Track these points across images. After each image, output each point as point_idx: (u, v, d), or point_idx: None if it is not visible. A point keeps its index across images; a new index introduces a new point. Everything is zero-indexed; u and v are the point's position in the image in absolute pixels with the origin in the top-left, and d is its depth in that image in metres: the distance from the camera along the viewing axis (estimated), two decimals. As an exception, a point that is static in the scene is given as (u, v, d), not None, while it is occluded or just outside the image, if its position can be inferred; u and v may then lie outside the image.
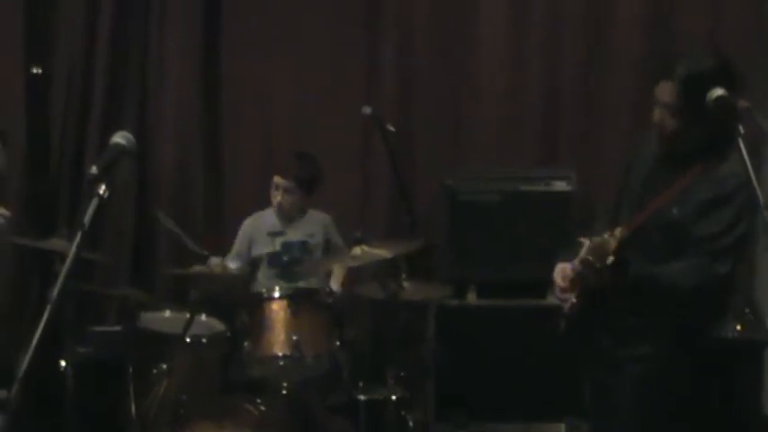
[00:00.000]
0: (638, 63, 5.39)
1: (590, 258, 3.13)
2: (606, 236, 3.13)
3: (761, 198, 2.69)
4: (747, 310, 5.01)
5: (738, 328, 4.91)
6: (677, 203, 3.16)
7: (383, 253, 4.27)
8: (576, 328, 3.36)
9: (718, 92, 2.92)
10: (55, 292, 2.58)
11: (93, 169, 2.69)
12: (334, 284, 4.95)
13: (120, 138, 2.82)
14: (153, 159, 5.64)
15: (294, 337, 4.28)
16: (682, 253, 3.16)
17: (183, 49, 5.63)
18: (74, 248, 2.65)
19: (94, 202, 2.67)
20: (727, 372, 4.79)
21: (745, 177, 2.74)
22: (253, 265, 5.06)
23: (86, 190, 2.71)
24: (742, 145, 2.76)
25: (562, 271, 3.35)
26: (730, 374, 4.82)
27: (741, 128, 2.79)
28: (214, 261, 4.75)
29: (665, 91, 3.15)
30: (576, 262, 3.23)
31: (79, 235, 2.67)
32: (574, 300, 3.33)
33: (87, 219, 2.68)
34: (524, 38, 5.53)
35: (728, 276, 3.15)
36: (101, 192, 2.67)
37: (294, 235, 5.02)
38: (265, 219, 5.08)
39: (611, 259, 3.09)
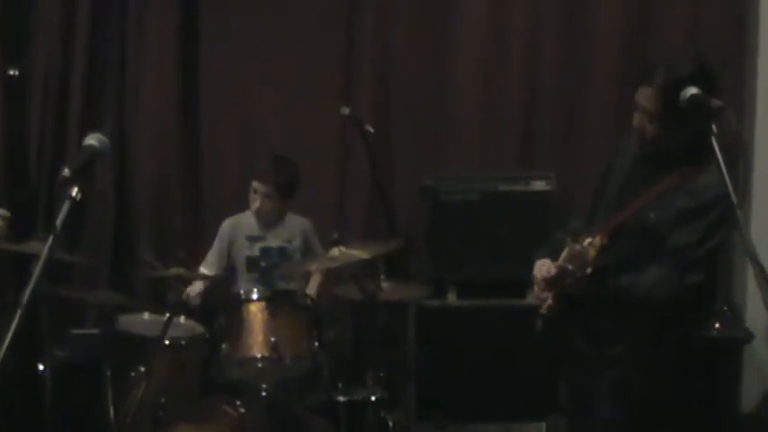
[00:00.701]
0: (617, 64, 5.41)
1: (569, 267, 3.15)
2: (585, 244, 3.15)
3: (734, 198, 2.69)
4: (726, 309, 5.04)
5: (717, 326, 4.93)
6: (655, 208, 3.19)
7: (361, 254, 4.26)
8: (552, 329, 3.36)
9: (692, 90, 2.92)
10: (26, 294, 2.56)
11: (66, 171, 2.69)
12: (312, 290, 4.96)
13: (93, 140, 2.82)
14: (132, 161, 5.63)
15: (272, 339, 4.26)
16: (657, 258, 3.17)
17: (162, 51, 5.61)
18: (46, 251, 2.64)
19: (67, 205, 2.67)
20: (706, 370, 4.82)
21: (720, 181, 2.74)
22: (230, 267, 5.04)
23: (58, 192, 2.68)
24: (715, 144, 2.76)
25: (544, 269, 3.33)
26: (710, 373, 4.85)
27: (714, 127, 2.79)
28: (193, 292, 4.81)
29: (645, 96, 3.17)
30: (555, 269, 3.24)
31: (51, 238, 2.66)
32: (551, 301, 3.32)
33: (59, 221, 2.67)
34: (504, 39, 5.53)
35: (700, 286, 3.18)
36: (73, 194, 2.67)
37: (273, 241, 5.00)
38: (244, 221, 5.06)
39: (589, 270, 3.12)
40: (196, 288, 4.84)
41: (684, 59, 3.28)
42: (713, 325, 4.94)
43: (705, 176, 3.04)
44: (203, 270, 5.00)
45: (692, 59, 3.23)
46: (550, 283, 3.28)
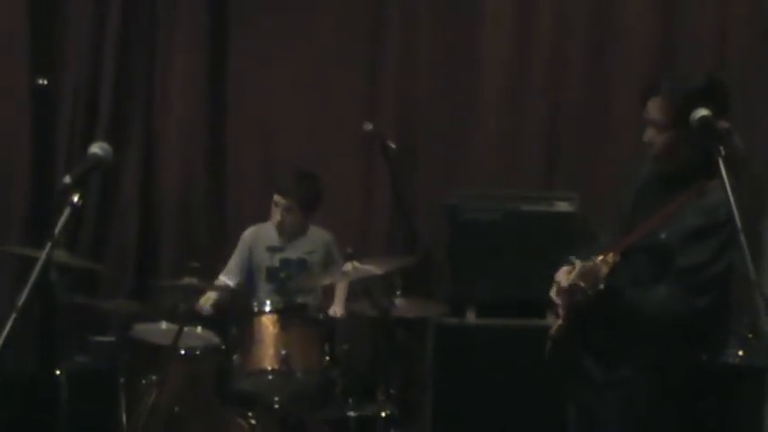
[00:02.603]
0: (643, 84, 5.36)
1: (581, 284, 3.10)
2: (598, 260, 3.11)
3: (738, 222, 2.65)
4: (750, 335, 4.95)
5: (741, 353, 4.86)
6: (666, 227, 3.13)
7: (374, 269, 4.26)
8: (561, 350, 3.33)
9: (702, 112, 2.91)
10: (22, 298, 2.59)
11: (67, 179, 2.72)
12: (338, 309, 4.94)
13: (96, 148, 2.87)
14: (158, 172, 5.70)
15: (283, 352, 4.28)
16: (666, 278, 3.12)
17: (189, 64, 5.68)
18: (43, 257, 2.66)
19: (67, 212, 2.70)
20: (725, 397, 4.74)
21: (725, 199, 2.71)
22: (249, 277, 5.06)
23: (56, 199, 2.71)
24: (722, 166, 2.73)
25: (563, 274, 3.26)
26: (730, 399, 4.77)
27: (722, 149, 2.76)
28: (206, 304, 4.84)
29: (653, 107, 3.15)
30: (567, 285, 3.20)
31: (49, 244, 2.69)
32: (560, 322, 3.29)
33: (59, 228, 2.70)
34: (529, 59, 5.53)
35: (711, 309, 3.11)
36: (74, 201, 2.70)
37: (293, 252, 5.02)
38: (266, 232, 5.08)
39: (602, 286, 3.07)
40: (210, 298, 4.85)
41: (696, 74, 3.25)
42: (736, 352, 4.87)
43: (717, 194, 2.90)
44: (223, 278, 5.03)
45: (703, 74, 3.22)
46: (562, 293, 3.23)
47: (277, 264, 5.02)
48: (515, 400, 4.98)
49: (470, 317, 5.15)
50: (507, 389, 4.99)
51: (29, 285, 2.63)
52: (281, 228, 4.98)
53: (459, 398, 5.02)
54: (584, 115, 5.50)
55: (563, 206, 5.17)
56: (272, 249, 5.03)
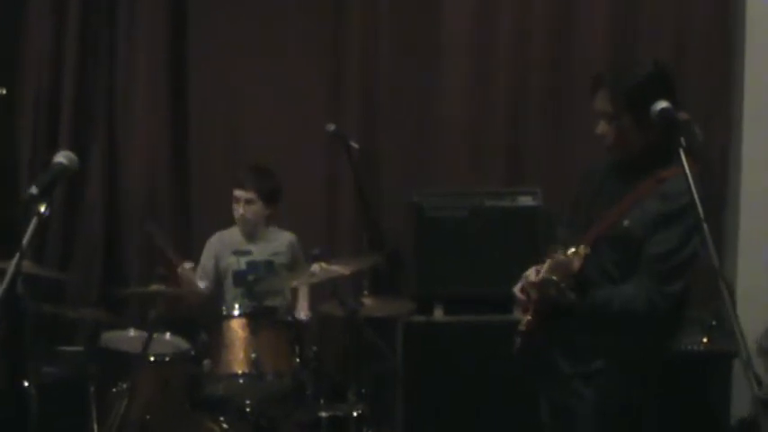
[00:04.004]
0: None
1: (553, 278, 3.11)
2: (570, 253, 3.11)
3: (701, 212, 2.67)
4: (714, 323, 5.01)
5: (705, 340, 4.92)
6: (627, 215, 3.15)
7: (341, 270, 4.28)
8: (530, 344, 3.35)
9: (662, 104, 2.91)
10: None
11: (33, 189, 2.71)
12: (302, 313, 4.94)
13: (61, 157, 2.86)
14: (121, 178, 5.67)
15: (253, 355, 4.27)
16: (634, 267, 3.14)
17: (150, 66, 5.65)
18: (12, 269, 2.65)
19: (34, 222, 2.69)
20: (693, 384, 4.80)
21: (686, 186, 2.72)
22: (217, 282, 5.05)
23: (24, 210, 2.70)
24: (684, 157, 2.75)
25: (532, 273, 3.30)
26: (698, 387, 4.83)
27: (683, 140, 2.79)
28: (187, 266, 4.81)
29: (600, 99, 3.17)
30: (539, 279, 3.20)
31: (17, 256, 2.68)
32: (529, 317, 3.31)
33: (27, 239, 2.69)
34: (490, 56, 5.54)
35: (677, 297, 3.14)
36: (41, 211, 2.69)
37: (260, 255, 5.02)
38: (231, 236, 5.08)
39: (572, 280, 3.09)
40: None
41: (640, 60, 3.27)
42: (701, 339, 4.93)
43: (677, 180, 2.89)
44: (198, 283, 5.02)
45: (648, 60, 3.26)
46: (534, 288, 3.24)
47: (244, 267, 5.01)
48: (485, 396, 5.01)
49: (438, 314, 5.18)
50: (476, 384, 5.02)
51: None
52: (244, 222, 4.97)
53: (429, 395, 5.05)
54: (546, 110, 5.53)
55: (526, 201, 5.21)
56: (239, 253, 5.03)
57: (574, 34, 5.52)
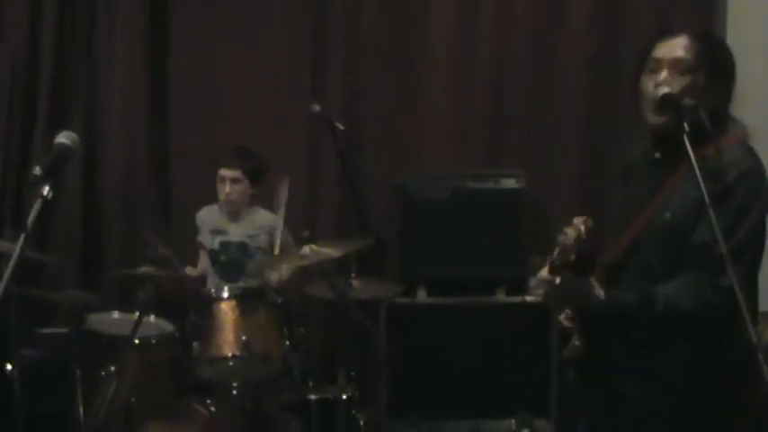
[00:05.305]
0: (587, 61, 5.44)
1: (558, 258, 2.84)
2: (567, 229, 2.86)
3: (707, 201, 2.60)
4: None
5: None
6: (668, 206, 2.83)
7: (331, 252, 4.25)
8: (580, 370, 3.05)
9: (664, 89, 2.86)
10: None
11: (37, 170, 2.65)
12: (273, 277, 4.74)
13: (64, 138, 2.77)
14: (101, 160, 5.61)
15: (243, 338, 4.24)
16: (681, 263, 2.79)
17: (130, 49, 5.60)
18: (17, 250, 2.60)
19: (38, 204, 2.63)
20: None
21: (730, 161, 2.63)
22: None
23: (29, 191, 2.65)
24: (687, 143, 2.72)
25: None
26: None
27: (686, 125, 2.76)
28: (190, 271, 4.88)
29: (675, 46, 2.84)
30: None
31: (22, 237, 2.63)
32: (576, 342, 3.00)
33: (31, 220, 2.64)
34: (473, 38, 5.53)
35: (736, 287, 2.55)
36: (44, 193, 2.63)
37: (235, 235, 4.99)
38: (212, 214, 5.07)
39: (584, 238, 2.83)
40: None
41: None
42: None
43: (722, 156, 2.66)
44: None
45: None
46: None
47: (217, 246, 5.00)
48: (468, 378, 5.05)
49: (421, 296, 5.19)
50: (459, 366, 5.05)
51: (4, 282, 2.57)
52: (230, 202, 4.94)
53: (413, 376, 5.06)
54: (530, 93, 5.53)
55: (510, 183, 5.23)
56: (215, 232, 5.02)
57: (556, 21, 5.51)
